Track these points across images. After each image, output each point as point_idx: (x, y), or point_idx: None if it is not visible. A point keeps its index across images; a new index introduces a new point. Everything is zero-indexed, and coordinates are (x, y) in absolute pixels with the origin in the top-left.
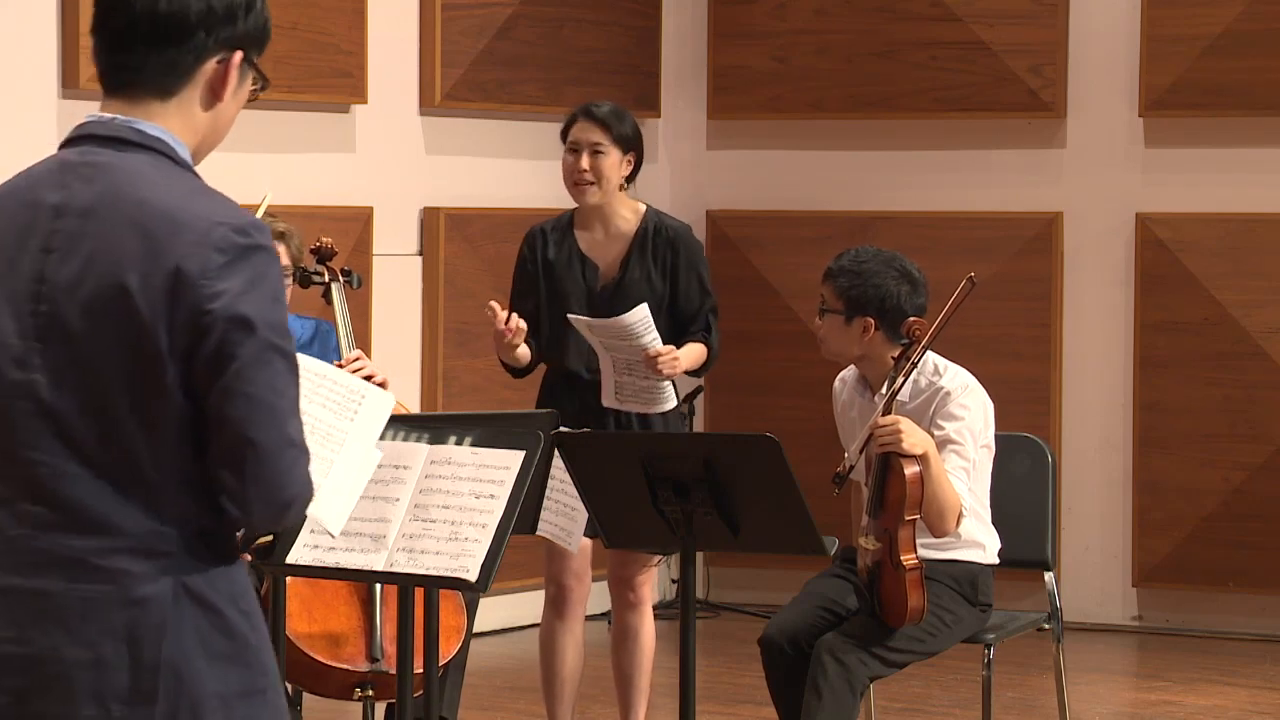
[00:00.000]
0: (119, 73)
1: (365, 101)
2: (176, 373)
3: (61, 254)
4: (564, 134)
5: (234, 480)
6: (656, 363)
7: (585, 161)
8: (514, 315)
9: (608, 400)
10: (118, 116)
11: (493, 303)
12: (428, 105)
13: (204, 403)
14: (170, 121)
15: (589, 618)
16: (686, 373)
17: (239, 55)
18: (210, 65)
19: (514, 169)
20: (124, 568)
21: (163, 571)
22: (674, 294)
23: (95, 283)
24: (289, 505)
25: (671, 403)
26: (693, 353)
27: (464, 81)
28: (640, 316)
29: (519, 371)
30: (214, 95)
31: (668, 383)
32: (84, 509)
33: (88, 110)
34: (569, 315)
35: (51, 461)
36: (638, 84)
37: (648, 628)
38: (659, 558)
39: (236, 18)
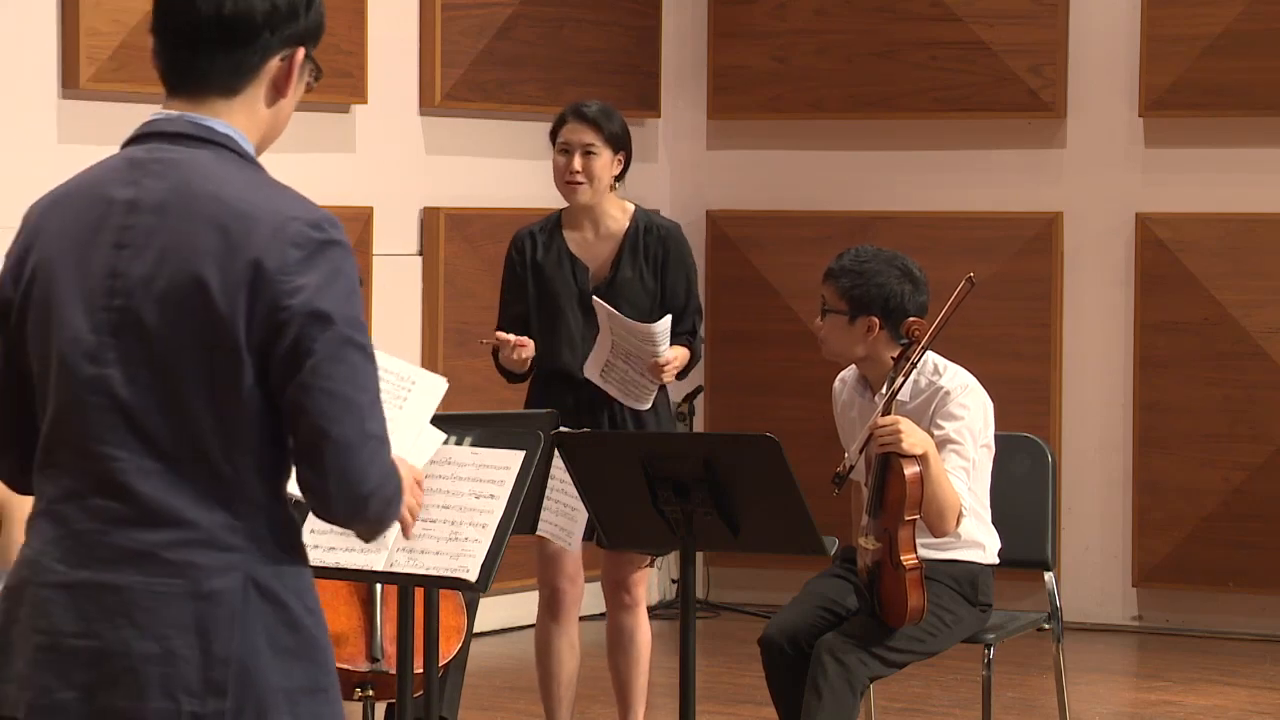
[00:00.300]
0: (183, 73)
1: (365, 101)
2: (252, 367)
3: (135, 249)
4: (553, 134)
5: (314, 475)
6: (660, 370)
7: (577, 162)
8: (518, 339)
9: (589, 372)
10: (184, 113)
11: (499, 333)
12: (428, 105)
13: (280, 398)
14: (235, 118)
15: (586, 618)
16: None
17: (301, 52)
18: (274, 63)
19: (514, 169)
20: (194, 560)
21: (232, 565)
22: (662, 292)
23: (171, 278)
24: (368, 498)
25: (649, 403)
26: (681, 358)
27: (464, 81)
28: (666, 327)
29: (518, 377)
30: (278, 92)
31: (655, 385)
32: (156, 503)
33: (87, 110)
34: (594, 298)
35: (124, 456)
36: (638, 84)
37: (643, 629)
38: (651, 558)
39: (299, 15)
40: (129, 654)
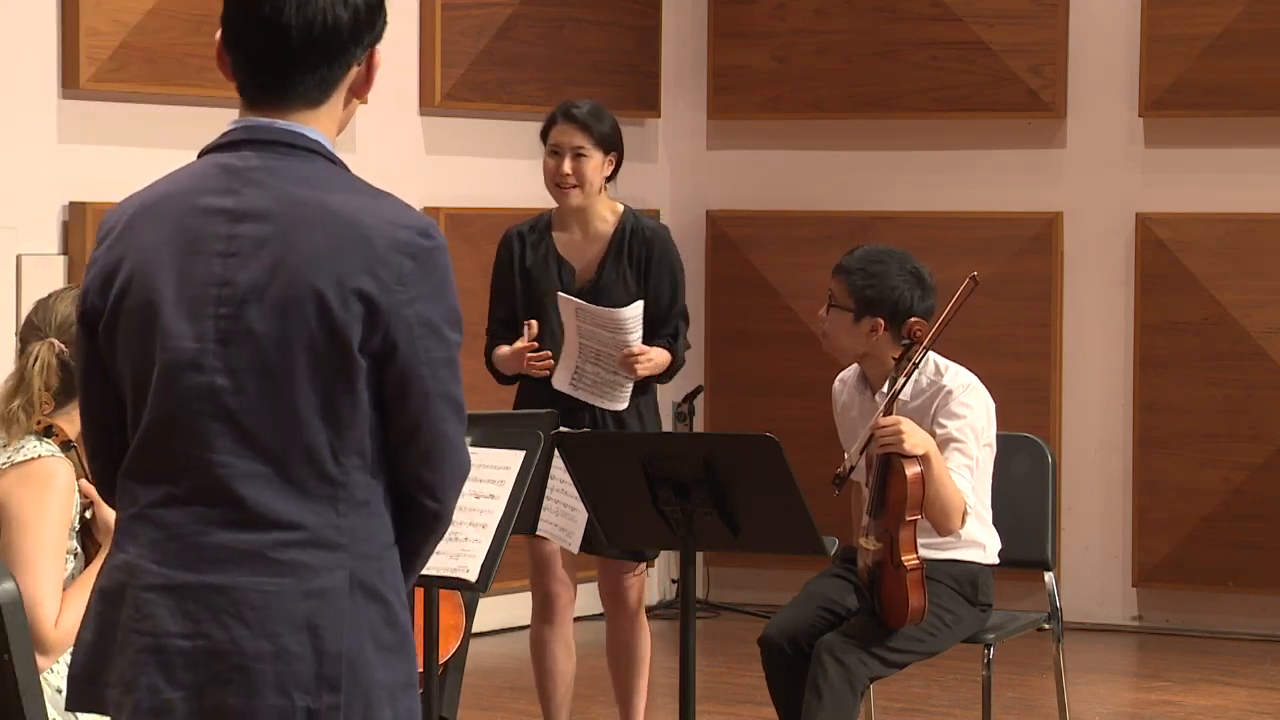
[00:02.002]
0: (267, 89)
1: (365, 101)
2: (364, 371)
3: (243, 258)
4: (543, 135)
5: (436, 475)
6: (631, 361)
7: (568, 165)
8: (545, 355)
9: (559, 384)
10: (276, 121)
11: (532, 321)
12: (428, 105)
13: (391, 400)
14: (320, 124)
15: (582, 619)
16: (650, 379)
17: (377, 53)
18: (354, 70)
19: (514, 169)
20: (302, 560)
21: (339, 564)
22: (645, 294)
23: (284, 286)
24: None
25: (625, 403)
26: (659, 358)
27: (464, 81)
28: (636, 314)
29: (508, 379)
30: (356, 94)
31: (629, 382)
32: (262, 506)
33: (87, 110)
34: (559, 294)
35: (230, 462)
36: (638, 84)
37: (640, 634)
38: (643, 565)
39: (376, 21)
40: (240, 653)
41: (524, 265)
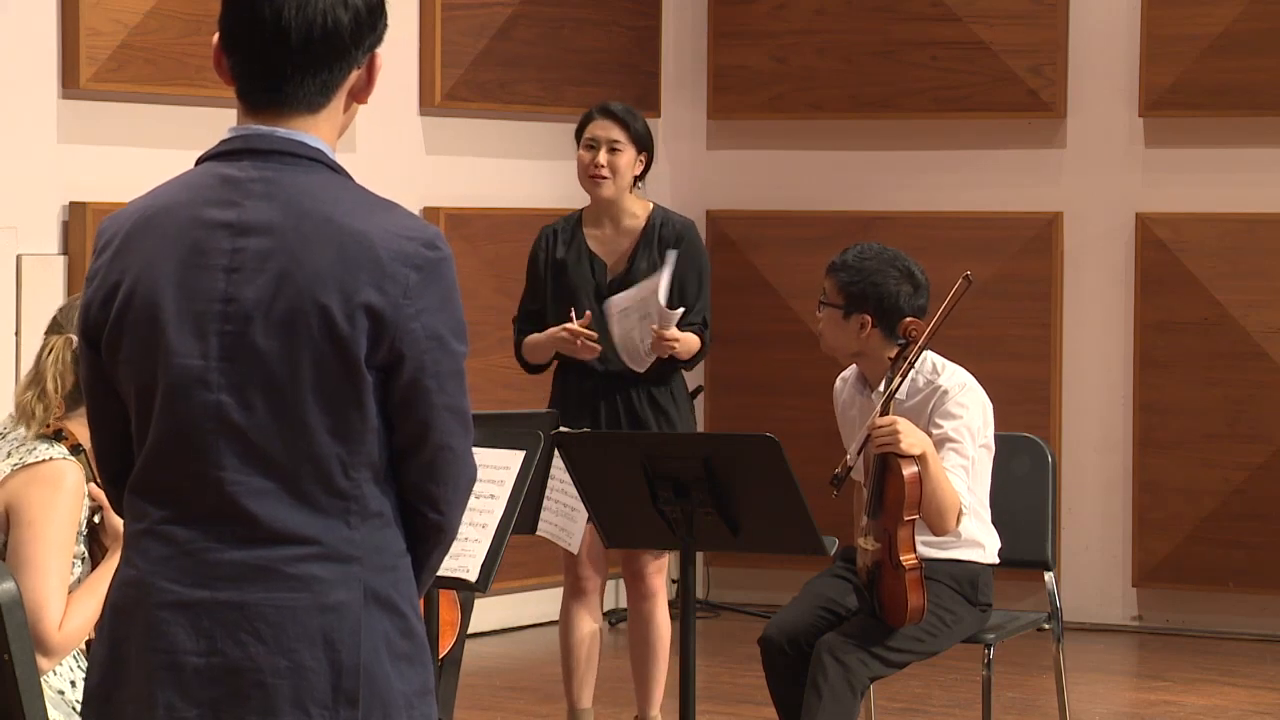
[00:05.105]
0: (267, 95)
1: (365, 101)
2: (373, 384)
3: (248, 273)
4: (579, 131)
5: (439, 488)
6: (663, 342)
7: (603, 157)
8: (594, 337)
9: (611, 302)
10: (276, 129)
11: (586, 312)
12: (428, 105)
13: (397, 412)
14: (320, 130)
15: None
16: (677, 363)
17: (379, 56)
18: (354, 74)
19: (514, 169)
20: (317, 574)
21: (353, 577)
22: (671, 286)
23: (290, 301)
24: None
25: (645, 366)
26: (688, 342)
27: (464, 81)
28: (677, 316)
29: (537, 368)
30: (356, 99)
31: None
32: (274, 521)
33: (87, 110)
34: (607, 301)
35: (239, 479)
36: (638, 84)
37: (660, 617)
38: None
39: (377, 23)
40: (258, 669)
41: (556, 259)
